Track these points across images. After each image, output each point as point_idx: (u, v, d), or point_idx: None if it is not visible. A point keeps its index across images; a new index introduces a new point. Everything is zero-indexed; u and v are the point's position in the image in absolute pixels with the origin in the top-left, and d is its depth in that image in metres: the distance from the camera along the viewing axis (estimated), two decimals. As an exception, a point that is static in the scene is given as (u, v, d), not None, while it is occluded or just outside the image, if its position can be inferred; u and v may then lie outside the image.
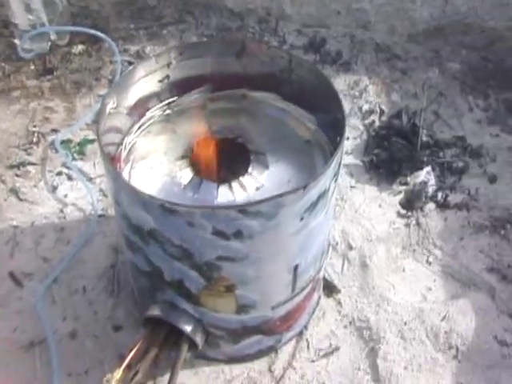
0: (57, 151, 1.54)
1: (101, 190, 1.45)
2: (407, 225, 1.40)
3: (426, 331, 1.22)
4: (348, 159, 1.53)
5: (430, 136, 1.56)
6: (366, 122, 1.63)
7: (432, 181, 1.45)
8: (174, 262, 0.94)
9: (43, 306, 1.23)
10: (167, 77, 1.11)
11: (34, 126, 1.62)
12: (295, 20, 1.95)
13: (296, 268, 1.01)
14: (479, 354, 1.19)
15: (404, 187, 1.47)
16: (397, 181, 1.48)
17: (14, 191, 1.44)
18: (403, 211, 1.43)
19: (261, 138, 1.10)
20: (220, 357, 1.15)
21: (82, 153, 1.54)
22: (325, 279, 1.26)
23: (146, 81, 1.08)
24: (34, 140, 1.58)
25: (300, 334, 1.21)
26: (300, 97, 1.11)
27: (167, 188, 1.02)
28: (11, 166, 1.50)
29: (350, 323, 1.23)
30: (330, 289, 1.27)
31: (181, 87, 1.13)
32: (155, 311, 1.03)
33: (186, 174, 1.03)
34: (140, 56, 1.82)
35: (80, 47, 1.85)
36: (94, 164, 1.52)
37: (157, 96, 1.12)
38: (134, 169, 1.06)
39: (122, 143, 1.07)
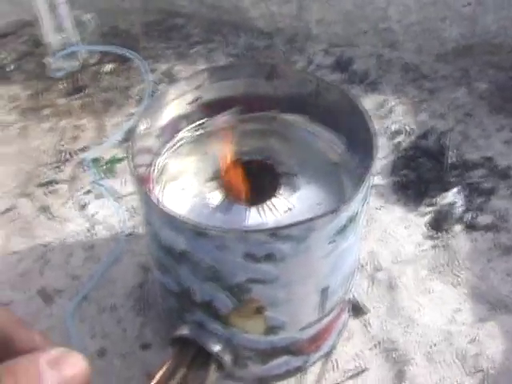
0: (86, 169, 1.56)
1: (129, 209, 1.47)
2: (435, 246, 1.40)
3: (454, 354, 1.21)
4: (375, 180, 1.53)
5: (458, 157, 1.56)
6: (393, 142, 1.63)
7: (460, 202, 1.45)
8: (204, 284, 0.95)
9: (72, 324, 1.24)
10: (198, 98, 1.12)
11: (64, 145, 1.64)
12: (322, 39, 1.96)
13: (325, 290, 1.01)
14: (508, 378, 1.18)
15: (431, 208, 1.47)
16: (424, 202, 1.48)
17: (44, 209, 1.46)
18: (431, 232, 1.42)
19: (290, 160, 1.11)
20: (248, 377, 1.15)
21: (110, 171, 1.56)
22: (353, 300, 1.26)
23: (177, 102, 1.09)
24: (64, 158, 1.60)
25: (328, 354, 1.21)
26: (328, 119, 1.11)
27: (197, 209, 1.03)
28: (41, 184, 1.53)
29: (378, 344, 1.23)
30: (357, 310, 1.27)
31: (211, 109, 1.14)
32: (184, 331, 1.03)
33: (215, 196, 1.04)
34: (168, 75, 1.84)
35: (109, 66, 1.88)
36: (123, 182, 1.53)
37: (187, 117, 1.13)
38: (164, 189, 1.07)
39: (152, 164, 1.08)
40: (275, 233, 0.85)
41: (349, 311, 1.25)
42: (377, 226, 1.43)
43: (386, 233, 1.42)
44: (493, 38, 1.84)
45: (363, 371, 1.19)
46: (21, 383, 0.35)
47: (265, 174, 1.09)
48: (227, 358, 1.04)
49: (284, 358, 1.11)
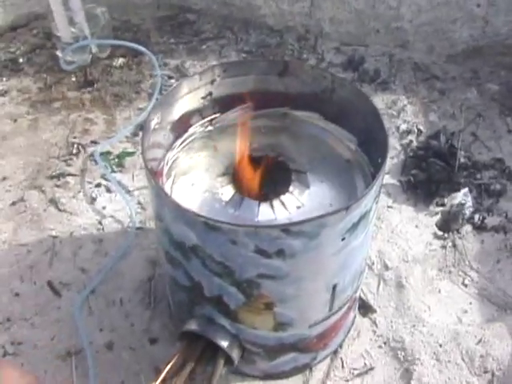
0: (96, 163, 1.56)
1: (139, 203, 1.47)
2: (443, 246, 1.39)
3: (461, 354, 1.21)
4: (385, 179, 1.53)
5: (468, 158, 1.55)
6: (404, 141, 1.62)
7: (469, 203, 1.44)
8: (214, 278, 0.95)
9: (81, 317, 1.24)
10: (210, 94, 1.12)
11: (74, 138, 1.64)
12: (334, 38, 1.96)
13: (335, 287, 1.01)
14: (515, 380, 1.18)
15: (441, 208, 1.46)
16: (434, 202, 1.48)
17: (54, 202, 1.47)
18: (440, 233, 1.42)
19: (302, 157, 1.11)
20: (255, 373, 1.16)
21: (120, 165, 1.56)
22: (360, 299, 1.26)
23: (189, 97, 1.10)
24: (74, 151, 1.60)
25: (335, 352, 1.21)
26: (341, 116, 1.11)
27: (208, 204, 1.03)
28: (51, 177, 1.53)
29: (385, 343, 1.23)
30: (365, 308, 1.27)
31: (223, 104, 1.14)
32: (192, 326, 1.03)
33: (227, 191, 1.04)
34: (179, 70, 1.84)
35: (121, 60, 1.88)
36: (133, 176, 1.54)
37: (199, 112, 1.13)
38: (175, 184, 1.07)
39: (164, 159, 1.08)
40: (287, 229, 0.85)
41: (356, 310, 1.25)
42: (386, 225, 1.43)
43: (394, 232, 1.42)
44: (504, 39, 1.84)
45: (370, 370, 1.19)
46: None
47: (276, 170, 1.08)
48: (235, 354, 1.04)
49: (292, 355, 1.11)
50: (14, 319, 1.25)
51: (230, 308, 0.99)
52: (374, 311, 1.27)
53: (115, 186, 1.50)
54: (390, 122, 1.67)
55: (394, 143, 1.62)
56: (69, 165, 1.57)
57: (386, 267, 1.35)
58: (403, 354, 1.21)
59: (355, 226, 0.91)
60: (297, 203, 1.02)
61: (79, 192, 1.50)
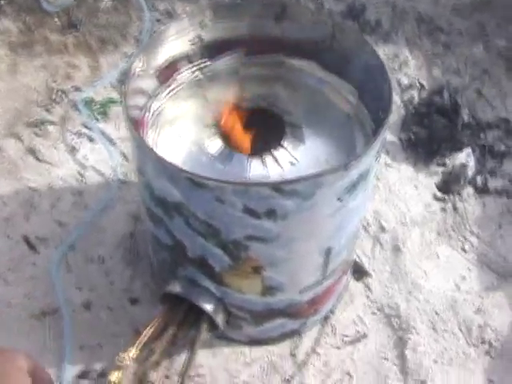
0: (78, 111, 1.47)
1: (123, 154, 1.39)
2: (443, 209, 1.33)
3: (458, 323, 1.16)
4: (384, 136, 1.46)
5: (472, 116, 1.48)
6: (405, 97, 1.54)
7: (472, 163, 1.37)
8: (198, 238, 0.89)
9: (58, 274, 1.18)
10: (199, 38, 1.03)
11: (56, 83, 1.55)
12: (334, -16, 1.86)
13: (329, 250, 0.94)
14: (513, 351, 1.13)
15: (442, 168, 1.39)
16: (435, 161, 1.40)
17: (32, 151, 1.38)
18: (440, 194, 1.35)
19: (297, 109, 1.03)
20: (241, 338, 1.10)
21: (104, 114, 1.47)
22: (355, 262, 1.20)
23: (176, 41, 1.01)
24: (55, 98, 1.51)
25: (326, 318, 1.15)
26: (342, 67, 1.03)
27: (195, 158, 0.96)
28: (30, 124, 1.44)
29: (379, 310, 1.18)
30: (359, 273, 1.21)
31: (213, 50, 1.05)
32: (175, 287, 0.97)
33: (215, 144, 0.97)
34: (169, 14, 1.74)
35: (107, 2, 1.77)
36: (117, 126, 1.45)
37: (187, 58, 1.05)
38: (159, 135, 1.00)
39: (148, 107, 1.00)
40: (279, 187, 0.78)
41: (350, 274, 1.19)
42: (383, 184, 1.36)
43: (392, 192, 1.35)
44: (514, -9, 1.75)
45: (362, 337, 1.14)
46: None
47: (269, 123, 1.01)
48: (220, 318, 0.99)
49: (280, 321, 1.06)
50: (-15, 275, 1.18)
51: (215, 270, 0.93)
52: (369, 275, 1.21)
53: (98, 135, 1.41)
54: (391, 75, 1.58)
55: (394, 98, 1.54)
56: (49, 112, 1.47)
57: (383, 229, 1.28)
58: (398, 321, 1.16)
59: (354, 185, 0.84)
60: (290, 159, 0.95)
61: (59, 141, 1.41)
